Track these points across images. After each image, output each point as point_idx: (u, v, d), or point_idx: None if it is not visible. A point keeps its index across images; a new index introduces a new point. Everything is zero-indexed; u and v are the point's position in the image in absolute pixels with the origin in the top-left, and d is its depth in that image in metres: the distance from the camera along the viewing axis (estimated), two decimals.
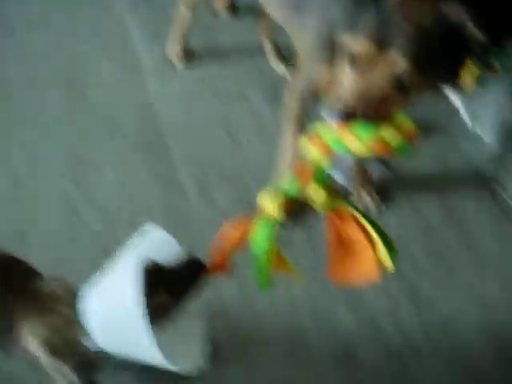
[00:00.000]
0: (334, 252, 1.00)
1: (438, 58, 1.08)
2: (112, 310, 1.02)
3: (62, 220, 1.83)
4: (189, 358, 1.20)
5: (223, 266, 1.05)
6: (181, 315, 1.12)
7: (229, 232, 1.03)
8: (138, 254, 1.05)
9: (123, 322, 0.99)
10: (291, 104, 1.65)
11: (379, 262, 0.96)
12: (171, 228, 1.19)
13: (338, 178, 1.95)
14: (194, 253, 1.10)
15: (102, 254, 1.34)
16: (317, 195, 0.96)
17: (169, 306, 1.08)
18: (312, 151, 0.96)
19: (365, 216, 0.98)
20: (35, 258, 1.35)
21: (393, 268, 0.98)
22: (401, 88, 1.06)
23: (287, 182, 1.01)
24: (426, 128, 2.17)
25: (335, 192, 1.00)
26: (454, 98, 2.26)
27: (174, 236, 1.17)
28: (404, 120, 1.00)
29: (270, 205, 0.97)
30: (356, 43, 1.07)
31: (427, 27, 1.06)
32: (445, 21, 1.08)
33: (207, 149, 2.05)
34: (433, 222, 1.87)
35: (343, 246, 0.97)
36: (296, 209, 1.68)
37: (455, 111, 2.22)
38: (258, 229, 0.99)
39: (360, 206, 1.85)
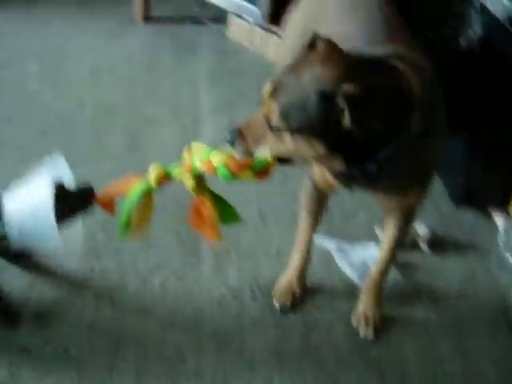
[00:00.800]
0: (193, 215, 1.41)
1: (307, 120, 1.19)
2: (29, 207, 1.40)
3: None
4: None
5: (106, 202, 1.41)
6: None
7: (118, 182, 1.39)
8: (49, 172, 1.42)
9: (38, 217, 1.37)
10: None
11: (217, 234, 1.42)
12: None
13: (353, 275, 1.91)
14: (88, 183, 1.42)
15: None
16: (188, 182, 1.32)
17: (65, 215, 1.42)
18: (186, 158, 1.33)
19: (219, 199, 1.40)
20: None
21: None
22: (271, 128, 1.23)
23: (174, 165, 1.34)
24: (460, 243, 2.10)
25: (203, 183, 1.34)
26: (498, 217, 2.18)
27: None
28: (264, 161, 1.28)
29: (152, 172, 1.30)
30: (266, 85, 1.26)
31: (307, 87, 1.18)
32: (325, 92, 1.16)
33: None
34: (441, 347, 1.76)
35: (199, 215, 1.40)
36: None
37: (495, 231, 2.14)
38: (136, 185, 1.32)
39: (354, 320, 1.78)
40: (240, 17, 2.81)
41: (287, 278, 1.83)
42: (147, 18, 3.29)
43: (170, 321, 1.75)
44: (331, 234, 2.04)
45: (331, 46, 1.23)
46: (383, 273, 1.74)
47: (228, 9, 2.81)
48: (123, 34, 3.20)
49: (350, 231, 2.09)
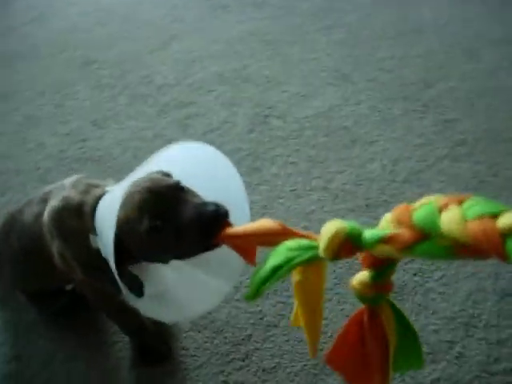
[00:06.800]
0: (341, 344, 0.81)
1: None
2: None
3: None
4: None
5: (239, 245, 0.91)
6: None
7: (270, 224, 0.82)
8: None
9: None
10: None
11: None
12: None
13: None
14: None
15: None
16: (359, 277, 0.74)
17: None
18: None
19: (403, 323, 0.78)
20: None
21: None
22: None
23: (377, 229, 0.69)
24: None
25: (385, 289, 0.74)
26: None
27: None
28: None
29: (328, 233, 0.69)
30: None
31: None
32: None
33: None
34: None
35: (356, 343, 0.78)
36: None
37: None
38: (294, 243, 0.76)
39: None
40: None
41: None
42: None
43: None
44: None
45: None
46: None
47: None
48: None
49: None
